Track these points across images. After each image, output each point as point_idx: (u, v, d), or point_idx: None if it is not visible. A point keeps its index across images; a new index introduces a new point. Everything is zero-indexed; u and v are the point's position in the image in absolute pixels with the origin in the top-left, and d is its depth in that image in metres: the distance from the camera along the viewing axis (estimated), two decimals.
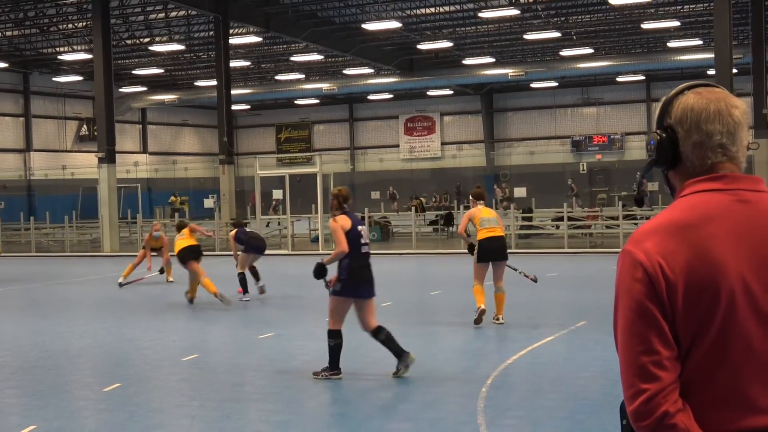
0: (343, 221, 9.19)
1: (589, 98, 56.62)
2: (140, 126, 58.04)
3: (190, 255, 15.59)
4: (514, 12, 36.11)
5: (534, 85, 54.56)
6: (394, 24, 37.32)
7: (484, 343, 11.59)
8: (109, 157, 30.46)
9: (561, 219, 27.86)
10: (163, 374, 10.09)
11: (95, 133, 36.02)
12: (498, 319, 12.60)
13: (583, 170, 52.74)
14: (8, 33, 40.07)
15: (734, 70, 25.93)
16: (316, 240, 29.35)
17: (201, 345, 12.31)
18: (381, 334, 9.30)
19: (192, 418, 8.12)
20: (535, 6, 36.66)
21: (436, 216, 33.26)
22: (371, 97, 58.97)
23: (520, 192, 48.68)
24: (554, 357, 10.53)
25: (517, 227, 27.73)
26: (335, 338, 9.27)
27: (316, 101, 59.45)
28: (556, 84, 53.87)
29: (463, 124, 60.40)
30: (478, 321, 12.37)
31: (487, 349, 11.20)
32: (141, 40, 41.48)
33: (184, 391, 9.35)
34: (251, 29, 38.37)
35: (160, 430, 7.81)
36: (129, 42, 41.57)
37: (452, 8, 37.16)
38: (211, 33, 37.81)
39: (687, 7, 37.20)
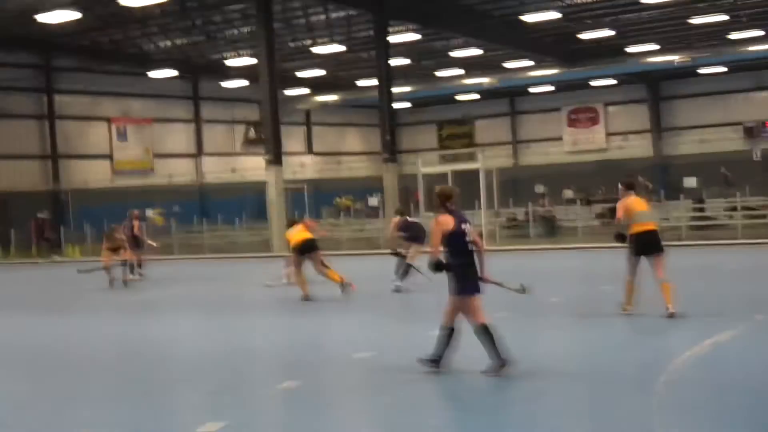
0: (445, 221, 9.10)
1: (763, 82, 54.08)
2: (305, 127, 59.31)
3: (310, 247, 16.26)
4: None
5: (702, 71, 52.45)
6: (554, 15, 36.80)
7: (658, 338, 11.23)
8: (276, 159, 31.22)
9: (734, 209, 26.79)
10: (338, 371, 10.19)
11: (262, 136, 37.06)
12: (668, 309, 12.27)
13: (756, 157, 50.58)
14: (178, 41, 41.70)
15: None
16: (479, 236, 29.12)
17: (375, 341, 12.14)
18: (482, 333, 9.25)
19: (367, 414, 8.24)
20: None
21: (603, 209, 32.54)
22: (532, 89, 58.27)
23: (689, 182, 47.05)
24: (733, 352, 10.12)
25: (688, 218, 26.86)
26: (447, 331, 9.36)
27: (477, 96, 59.29)
28: (725, 69, 51.69)
29: (628, 114, 58.97)
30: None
31: (661, 344, 10.83)
32: (303, 42, 42.37)
33: (359, 387, 9.44)
34: (410, 27, 38.58)
35: (342, 427, 7.93)
36: (292, 45, 42.53)
37: None
38: (370, 32, 38.24)
39: None
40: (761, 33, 43.04)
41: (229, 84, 49.89)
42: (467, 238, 9.14)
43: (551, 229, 31.02)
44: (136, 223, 23.53)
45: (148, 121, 48.18)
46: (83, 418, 8.62)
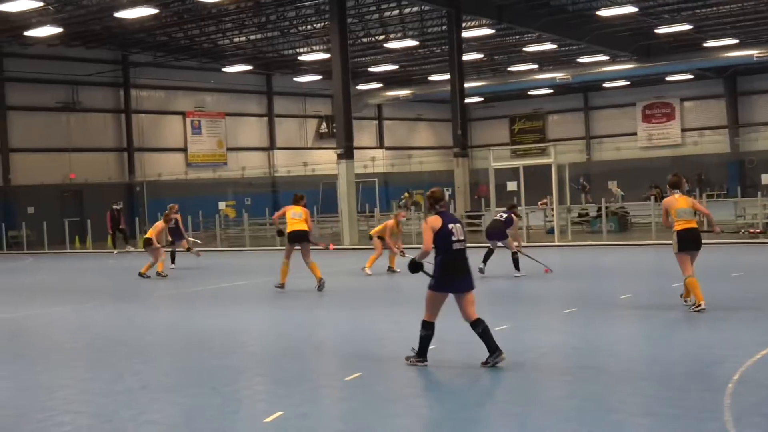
0: (434, 221, 9.58)
1: None
2: (376, 122, 59.57)
3: (300, 237, 17.26)
4: None
5: None
6: (630, 9, 36.35)
7: (729, 336, 11.03)
8: (347, 153, 31.36)
9: None
10: (400, 365, 10.17)
11: (334, 130, 37.24)
12: (686, 302, 13.00)
13: None
14: (252, 37, 42.18)
15: None
16: (551, 232, 28.94)
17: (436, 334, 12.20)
18: (478, 327, 9.58)
19: (425, 408, 8.22)
20: None
21: None
22: (606, 84, 57.79)
23: (766, 179, 46.16)
24: None
25: (765, 215, 26.34)
26: (427, 329, 9.72)
27: (550, 91, 58.93)
28: None
29: (704, 110, 58.09)
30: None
31: (733, 342, 10.62)
32: (376, 37, 42.49)
33: (417, 382, 9.41)
34: (483, 21, 38.45)
35: (399, 419, 7.95)
36: (365, 40, 42.69)
37: None
38: (444, 27, 38.20)
39: None
40: None
41: (301, 78, 50.32)
42: (454, 237, 9.56)
43: (623, 225, 30.64)
44: (176, 216, 23.87)
45: (221, 114, 48.91)
46: (148, 406, 8.76)
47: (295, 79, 50.86)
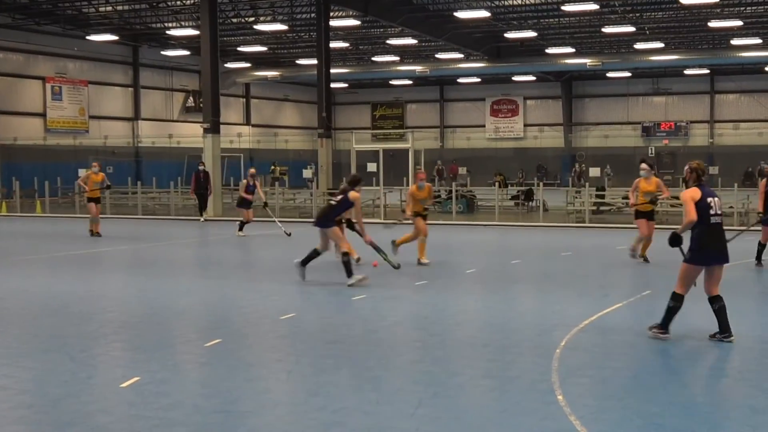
0: (693, 192, 9.18)
1: (659, 88, 57.57)
2: (244, 100, 58.84)
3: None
4: (593, 7, 35.86)
5: (610, 74, 55.37)
6: (484, 13, 37.29)
7: (560, 308, 11.61)
8: (213, 127, 30.94)
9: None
10: (261, 331, 10.14)
11: (201, 105, 36.44)
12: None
13: (651, 153, 53.24)
14: (119, 7, 40.06)
15: None
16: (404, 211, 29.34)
17: (298, 305, 12.07)
18: (716, 304, 9.25)
19: (289, 373, 8.27)
20: (613, 2, 36.70)
21: (518, 191, 33.17)
22: (460, 80, 59.22)
23: (594, 172, 48.41)
24: (622, 322, 10.58)
25: (590, 204, 27.60)
26: (676, 301, 9.27)
27: (410, 82, 59.89)
28: (629, 74, 54.98)
29: (544, 108, 60.72)
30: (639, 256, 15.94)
31: (562, 313, 11.16)
32: (246, 19, 41.72)
33: (281, 347, 9.44)
34: (351, 12, 38.54)
35: (259, 382, 7.87)
36: (235, 20, 41.84)
37: (537, 0, 37.50)
38: (312, 15, 38.04)
39: (749, 8, 37.56)
40: (661, 45, 45.69)
41: (169, 52, 48.66)
42: (712, 211, 9.09)
43: (471, 207, 31.50)
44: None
45: (83, 82, 46.54)
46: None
47: (162, 52, 48.86)
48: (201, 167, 29.20)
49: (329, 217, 13.72)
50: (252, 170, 23.41)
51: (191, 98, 52.37)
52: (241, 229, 22.32)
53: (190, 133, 44.48)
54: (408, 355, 9.07)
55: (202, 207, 29.35)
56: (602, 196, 30.62)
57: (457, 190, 30.47)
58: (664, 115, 57.78)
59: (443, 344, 9.49)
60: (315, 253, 13.71)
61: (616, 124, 58.00)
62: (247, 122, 58.49)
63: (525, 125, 60.82)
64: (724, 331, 9.23)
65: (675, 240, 9.14)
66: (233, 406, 7.07)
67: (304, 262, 13.69)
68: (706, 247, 9.08)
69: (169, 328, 10.62)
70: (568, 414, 6.76)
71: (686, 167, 9.52)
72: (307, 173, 45.58)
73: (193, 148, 39.90)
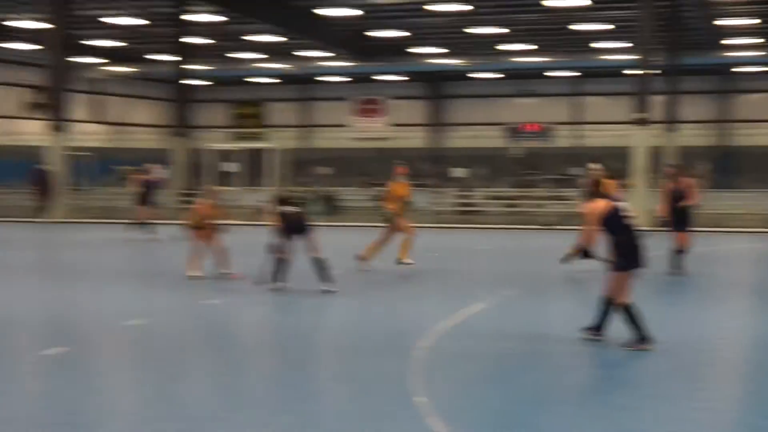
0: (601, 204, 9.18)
1: (525, 90, 58.18)
2: (93, 96, 56.59)
3: None
4: (462, 7, 36.22)
5: (477, 75, 55.93)
6: (349, 11, 37.18)
7: (421, 308, 11.60)
8: (59, 125, 29.74)
9: (497, 198, 28.11)
10: (108, 339, 9.83)
11: (46, 101, 34.70)
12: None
13: (513, 154, 54.27)
14: None
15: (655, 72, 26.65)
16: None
17: (145, 311, 11.54)
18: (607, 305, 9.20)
19: (137, 381, 8.01)
20: (480, 3, 36.99)
21: (378, 192, 33.25)
22: (325, 78, 58.96)
23: (460, 172, 49.16)
24: (485, 320, 10.64)
25: (455, 204, 27.94)
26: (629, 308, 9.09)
27: (273, 80, 59.23)
28: (496, 75, 55.57)
29: (411, 108, 60.80)
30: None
31: (424, 314, 11.19)
32: (97, 12, 39.85)
33: (129, 354, 9.16)
34: (210, 8, 37.62)
35: (105, 392, 7.61)
36: (83, 13, 39.74)
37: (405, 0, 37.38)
38: (170, 9, 36.88)
39: (614, 12, 37.97)
40: (527, 47, 46.15)
41: (11, 45, 46.24)
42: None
43: (332, 208, 31.39)
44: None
45: None
46: None
47: (2, 45, 46.11)
48: (40, 166, 28.39)
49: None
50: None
51: (36, 94, 49.58)
52: (144, 230, 21.56)
53: (36, 131, 42.23)
54: (264, 361, 8.89)
55: (41, 208, 28.30)
56: (467, 197, 30.97)
57: (317, 191, 30.29)
58: (529, 117, 58.21)
59: (300, 349, 9.31)
60: None
61: (481, 125, 58.53)
62: (97, 120, 56.26)
63: (391, 125, 61.01)
64: (598, 329, 9.26)
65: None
66: (75, 418, 6.71)
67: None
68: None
69: (3, 337, 10.00)
70: (425, 416, 6.70)
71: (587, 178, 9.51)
72: (162, 173, 44.23)
73: (38, 146, 37.84)
